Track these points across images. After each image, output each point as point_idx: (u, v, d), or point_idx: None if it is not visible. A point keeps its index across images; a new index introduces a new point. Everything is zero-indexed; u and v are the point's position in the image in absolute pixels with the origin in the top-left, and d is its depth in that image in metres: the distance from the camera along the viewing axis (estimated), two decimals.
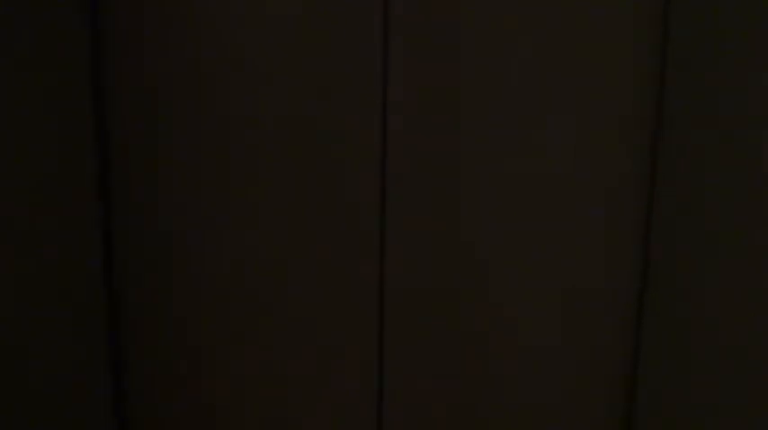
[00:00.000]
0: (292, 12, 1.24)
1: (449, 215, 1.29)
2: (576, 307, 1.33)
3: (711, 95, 1.23)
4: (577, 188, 1.28)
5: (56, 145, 1.29)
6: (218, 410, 1.41)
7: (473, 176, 1.27)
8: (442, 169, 1.27)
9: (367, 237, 1.30)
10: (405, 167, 1.28)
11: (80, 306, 1.36)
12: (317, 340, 1.35)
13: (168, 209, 1.35)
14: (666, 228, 1.29)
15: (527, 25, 1.22)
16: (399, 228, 1.30)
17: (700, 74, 1.23)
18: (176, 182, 1.33)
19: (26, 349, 1.30)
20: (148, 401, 1.45)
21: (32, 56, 1.24)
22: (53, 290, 1.32)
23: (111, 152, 1.36)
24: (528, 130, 1.26)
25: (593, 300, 1.33)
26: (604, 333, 1.35)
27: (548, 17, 1.21)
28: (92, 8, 1.29)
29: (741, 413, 1.31)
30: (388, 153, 1.27)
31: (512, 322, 1.33)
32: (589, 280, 1.32)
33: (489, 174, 1.27)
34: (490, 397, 1.36)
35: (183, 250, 1.36)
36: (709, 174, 1.25)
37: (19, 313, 1.29)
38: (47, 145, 1.28)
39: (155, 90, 1.31)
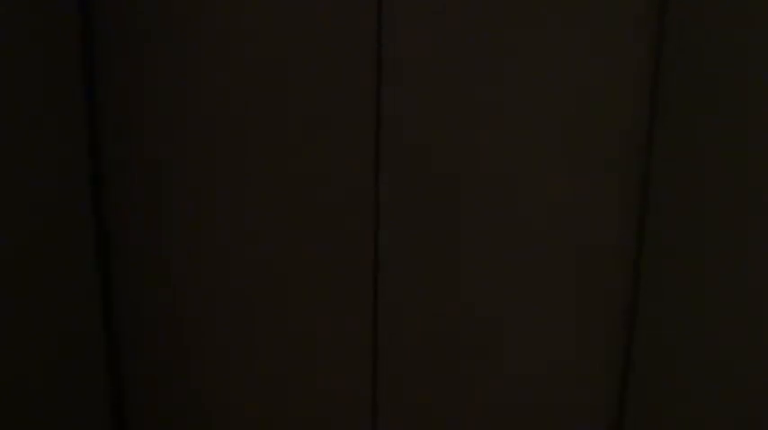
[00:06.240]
0: (291, 10, 1.24)
1: (445, 213, 1.29)
2: (571, 304, 1.33)
3: (706, 92, 1.23)
4: (575, 188, 1.28)
5: (52, 146, 1.29)
6: (215, 410, 1.41)
7: (469, 173, 1.27)
8: (438, 167, 1.27)
9: (362, 237, 1.31)
10: (400, 168, 1.28)
11: (77, 306, 1.37)
12: (317, 339, 1.36)
13: (167, 208, 1.36)
14: (661, 226, 1.28)
15: (525, 24, 1.22)
16: (399, 227, 1.30)
17: (694, 71, 1.23)
18: (174, 181, 1.34)
19: (24, 350, 1.31)
20: (146, 399, 1.45)
21: (27, 56, 1.24)
22: (50, 290, 1.33)
23: (106, 152, 1.36)
24: (527, 130, 1.26)
25: (588, 298, 1.33)
26: (598, 330, 1.35)
27: (546, 17, 1.21)
28: (85, 9, 1.30)
29: (740, 412, 1.31)
30: (380, 154, 1.27)
31: (509, 320, 1.33)
32: (584, 278, 1.32)
33: (487, 173, 1.27)
34: (486, 397, 1.36)
35: (181, 249, 1.37)
36: (705, 169, 1.25)
37: (17, 313, 1.29)
38: (43, 146, 1.28)
39: (153, 87, 1.31)
